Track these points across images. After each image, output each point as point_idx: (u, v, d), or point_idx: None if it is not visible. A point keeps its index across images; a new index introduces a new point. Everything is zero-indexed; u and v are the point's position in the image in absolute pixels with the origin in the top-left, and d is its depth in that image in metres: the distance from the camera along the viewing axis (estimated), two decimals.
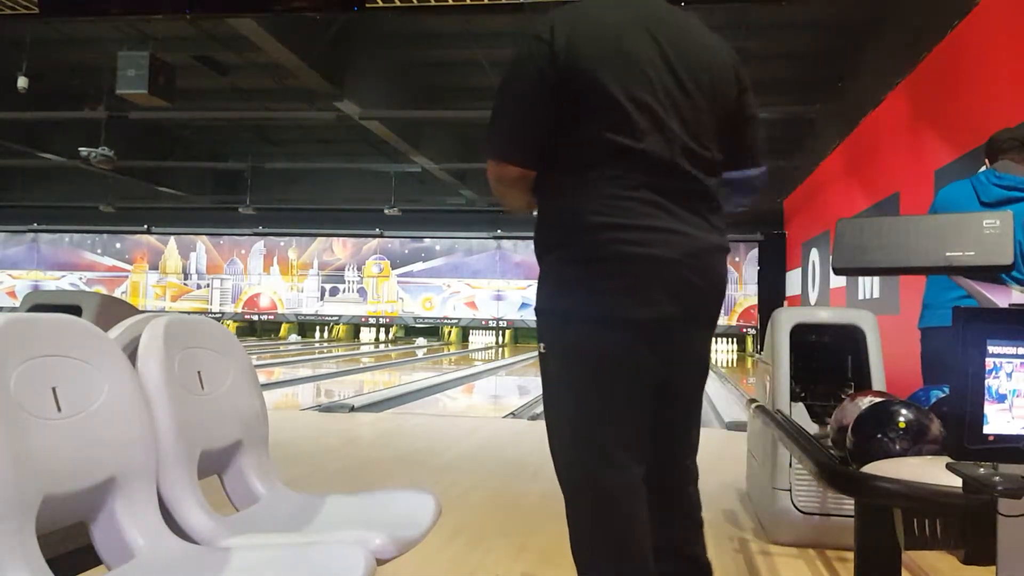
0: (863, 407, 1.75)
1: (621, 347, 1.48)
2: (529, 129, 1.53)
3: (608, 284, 1.47)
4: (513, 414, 6.67)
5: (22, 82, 8.12)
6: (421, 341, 18.78)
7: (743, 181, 1.64)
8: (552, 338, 1.55)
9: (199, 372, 1.74)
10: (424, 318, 18.46)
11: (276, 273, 18.94)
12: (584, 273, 1.49)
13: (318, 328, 19.35)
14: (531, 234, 1.63)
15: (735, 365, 14.76)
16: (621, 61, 1.48)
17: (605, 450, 1.50)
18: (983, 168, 2.88)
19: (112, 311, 2.66)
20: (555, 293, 1.53)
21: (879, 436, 1.64)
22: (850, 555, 2.28)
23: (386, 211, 14.92)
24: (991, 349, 1.21)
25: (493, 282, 18.00)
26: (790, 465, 2.83)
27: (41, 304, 2.85)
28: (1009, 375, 1.20)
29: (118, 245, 19.42)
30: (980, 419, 1.20)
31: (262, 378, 7.73)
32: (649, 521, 1.52)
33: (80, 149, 10.61)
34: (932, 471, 1.38)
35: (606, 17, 1.53)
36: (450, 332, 18.89)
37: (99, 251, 19.49)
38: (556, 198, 1.55)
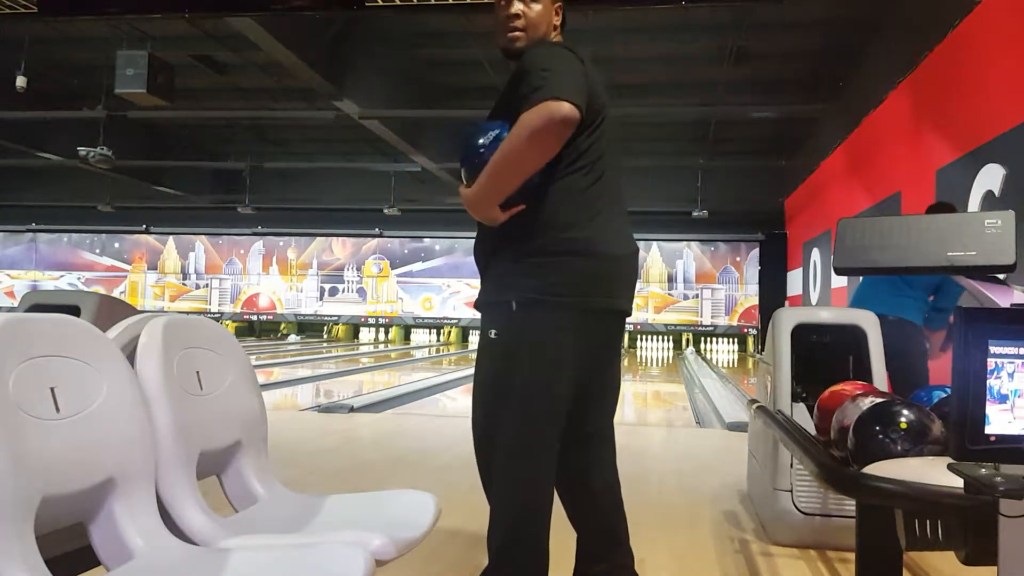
0: (864, 407, 1.75)
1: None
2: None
3: None
4: None
5: (20, 81, 8.11)
6: (421, 340, 18.78)
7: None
8: None
9: (198, 372, 1.73)
10: (424, 318, 18.45)
11: (275, 273, 18.93)
12: None
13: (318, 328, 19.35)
14: None
15: (736, 365, 14.75)
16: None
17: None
18: None
19: (111, 311, 2.65)
20: None
21: (880, 436, 1.63)
22: (851, 556, 2.27)
23: (385, 211, 14.91)
24: (992, 349, 1.20)
25: None
26: (791, 466, 2.82)
27: (40, 304, 2.85)
28: (1011, 375, 1.20)
29: (116, 245, 19.40)
30: (982, 419, 1.19)
31: (261, 378, 7.72)
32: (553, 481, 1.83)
33: (79, 149, 10.60)
34: (933, 472, 1.37)
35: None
36: (450, 332, 18.88)
37: (97, 251, 19.47)
38: None
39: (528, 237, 1.75)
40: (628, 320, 1.99)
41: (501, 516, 1.82)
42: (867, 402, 1.77)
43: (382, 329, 19.18)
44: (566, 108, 1.59)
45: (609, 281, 1.77)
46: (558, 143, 1.66)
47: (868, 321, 2.93)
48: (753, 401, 3.30)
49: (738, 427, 5.65)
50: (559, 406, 1.79)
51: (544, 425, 1.78)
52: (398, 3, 5.65)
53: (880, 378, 2.80)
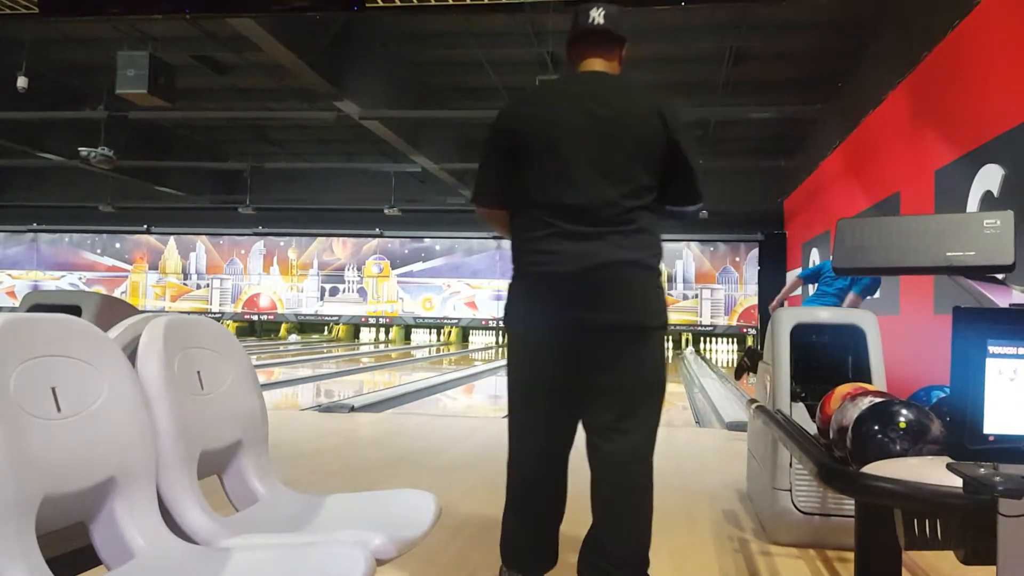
0: (863, 407, 1.75)
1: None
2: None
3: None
4: None
5: (22, 82, 8.12)
6: (421, 340, 18.79)
7: (680, 214, 2.13)
8: None
9: (199, 372, 1.74)
10: (424, 318, 18.45)
11: (276, 273, 18.92)
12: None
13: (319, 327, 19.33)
14: None
15: (735, 365, 14.74)
16: (543, 127, 2.01)
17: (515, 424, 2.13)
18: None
19: (112, 311, 2.65)
20: None
21: (879, 436, 1.64)
22: (851, 555, 2.27)
23: (386, 211, 14.90)
24: (992, 349, 1.21)
25: (493, 282, 17.98)
26: (790, 465, 2.83)
27: (41, 304, 2.84)
28: (1011, 376, 1.20)
29: (118, 245, 19.39)
30: (980, 419, 1.19)
31: (262, 378, 7.70)
32: (549, 476, 2.09)
33: (80, 149, 10.59)
34: (932, 471, 1.38)
35: (543, 93, 2.18)
36: (450, 332, 18.89)
37: (99, 251, 19.47)
38: None
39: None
40: None
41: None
42: (866, 402, 1.77)
43: (382, 329, 19.18)
44: (480, 212, 2.17)
45: (543, 299, 1.99)
46: (495, 226, 2.20)
47: (867, 321, 2.94)
48: (752, 401, 3.30)
49: (738, 427, 5.65)
50: (524, 395, 2.11)
51: (514, 406, 2.14)
52: (398, 3, 5.65)
53: (879, 378, 2.80)
